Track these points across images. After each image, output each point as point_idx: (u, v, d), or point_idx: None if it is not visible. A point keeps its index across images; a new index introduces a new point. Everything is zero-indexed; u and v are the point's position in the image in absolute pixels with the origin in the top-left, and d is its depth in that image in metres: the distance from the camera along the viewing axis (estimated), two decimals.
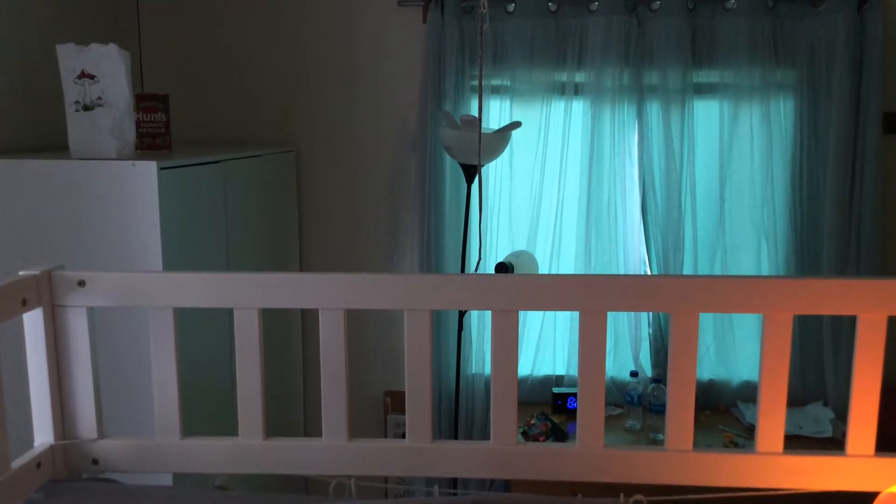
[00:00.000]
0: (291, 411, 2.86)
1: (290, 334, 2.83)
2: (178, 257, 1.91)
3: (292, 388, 2.87)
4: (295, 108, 2.85)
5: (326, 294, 1.50)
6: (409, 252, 2.87)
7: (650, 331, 2.72)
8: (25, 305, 1.45)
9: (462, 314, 2.64)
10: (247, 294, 1.51)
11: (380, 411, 2.93)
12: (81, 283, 1.50)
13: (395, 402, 2.91)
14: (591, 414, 1.48)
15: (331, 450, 1.53)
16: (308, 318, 2.91)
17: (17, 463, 1.42)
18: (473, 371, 2.80)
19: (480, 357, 2.80)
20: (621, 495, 1.49)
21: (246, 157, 2.42)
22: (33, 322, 1.49)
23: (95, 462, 1.54)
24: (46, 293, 1.50)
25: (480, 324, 2.78)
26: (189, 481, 1.87)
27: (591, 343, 1.47)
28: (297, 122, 2.85)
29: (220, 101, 2.86)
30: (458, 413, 2.74)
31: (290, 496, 1.55)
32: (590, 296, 1.46)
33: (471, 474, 1.52)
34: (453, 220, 2.75)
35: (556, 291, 1.46)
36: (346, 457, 1.54)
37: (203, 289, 1.51)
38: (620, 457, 1.48)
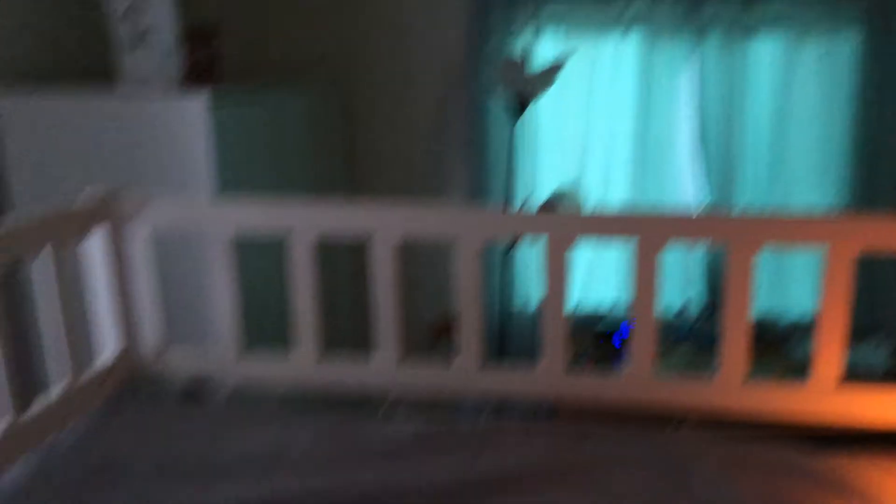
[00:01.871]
0: (341, 334, 2.91)
1: (338, 260, 2.86)
2: (228, 191, 1.92)
3: (341, 312, 2.91)
4: (344, 43, 2.82)
5: (380, 222, 1.52)
6: (455, 189, 2.86)
7: (702, 266, 2.68)
8: (91, 225, 1.49)
9: (509, 249, 2.64)
10: (302, 220, 1.53)
11: (427, 340, 2.97)
12: (142, 205, 1.54)
13: (444, 331, 2.94)
14: (642, 342, 1.48)
15: (382, 371, 1.57)
16: (358, 246, 2.93)
17: (86, 374, 1.49)
18: (519, 307, 2.82)
19: (526, 293, 2.81)
20: (670, 427, 1.50)
21: (295, 90, 2.41)
22: (99, 241, 1.54)
23: (158, 375, 1.61)
24: (111, 213, 1.54)
25: (528, 259, 2.78)
26: (245, 396, 1.93)
27: (646, 274, 1.46)
28: (346, 57, 2.82)
29: (269, 35, 2.84)
30: (503, 350, 2.77)
31: (341, 414, 1.59)
32: (645, 229, 1.44)
33: (520, 396, 1.54)
34: (500, 157, 2.72)
35: (610, 225, 1.45)
36: (397, 377, 1.57)
37: (259, 214, 1.54)
38: (672, 385, 1.49)
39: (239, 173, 2.00)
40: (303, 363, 1.58)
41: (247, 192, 2.04)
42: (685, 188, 2.68)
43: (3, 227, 1.29)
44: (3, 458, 1.27)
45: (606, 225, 1.45)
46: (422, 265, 2.96)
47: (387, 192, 2.90)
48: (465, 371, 1.55)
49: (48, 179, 1.88)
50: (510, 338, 2.82)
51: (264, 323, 2.17)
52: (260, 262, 2.15)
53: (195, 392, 1.68)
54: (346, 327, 2.97)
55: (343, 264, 2.90)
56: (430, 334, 2.97)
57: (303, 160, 2.48)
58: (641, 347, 1.48)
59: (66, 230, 1.43)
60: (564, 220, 1.46)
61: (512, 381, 1.54)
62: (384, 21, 2.80)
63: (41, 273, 1.39)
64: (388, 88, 2.85)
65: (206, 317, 1.73)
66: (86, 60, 2.27)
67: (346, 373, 1.59)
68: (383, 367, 1.57)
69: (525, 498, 1.25)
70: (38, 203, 1.41)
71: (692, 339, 2.57)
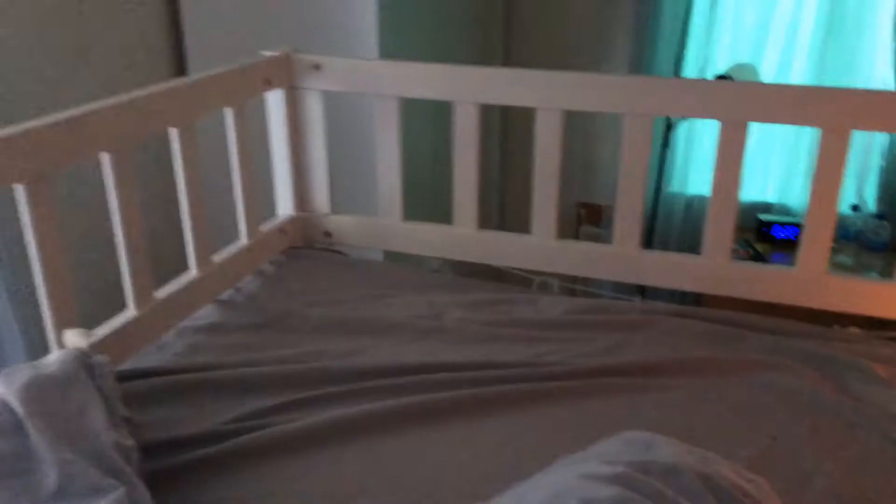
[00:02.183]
0: (489, 209, 2.93)
1: (489, 132, 2.84)
2: (393, 49, 1.91)
3: (490, 186, 2.92)
4: None
5: (547, 93, 1.48)
6: (617, 67, 2.73)
7: (882, 162, 2.47)
8: (268, 85, 1.55)
9: (668, 129, 2.53)
10: (469, 88, 1.51)
11: (573, 222, 2.95)
12: (317, 67, 1.57)
13: (589, 214, 2.91)
14: (817, 238, 1.40)
15: (539, 247, 1.58)
16: (511, 116, 2.88)
17: (264, 227, 1.59)
18: (673, 190, 2.72)
19: (683, 176, 2.70)
20: (835, 326, 1.44)
21: None
22: (275, 101, 1.60)
23: (327, 234, 1.69)
24: (286, 74, 1.58)
25: (687, 140, 2.65)
26: (405, 261, 1.99)
27: (830, 163, 1.36)
28: None
29: None
30: (653, 232, 2.70)
31: (495, 288, 1.63)
32: (834, 111, 1.33)
33: (680, 286, 1.51)
34: (670, 32, 2.56)
35: (795, 104, 1.34)
36: (553, 255, 1.57)
37: (427, 80, 1.53)
38: (842, 285, 1.41)
39: (401, 41, 1.99)
40: (461, 235, 1.61)
41: (410, 52, 2.03)
42: (876, 75, 2.43)
43: (185, 85, 1.35)
44: (188, 305, 1.39)
45: (791, 106, 1.35)
46: (570, 149, 2.89)
47: (545, 67, 2.82)
48: (622, 254, 1.53)
49: (221, 41, 1.95)
50: (663, 221, 2.75)
51: (421, 198, 2.22)
52: (419, 140, 2.17)
53: (359, 255, 1.77)
54: (495, 208, 2.99)
55: (492, 149, 2.88)
56: (576, 219, 2.94)
57: (462, 31, 2.43)
58: (815, 244, 1.40)
59: (244, 90, 1.49)
60: (744, 97, 1.37)
61: (670, 268, 1.51)
62: None
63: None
64: None
65: (371, 185, 1.78)
66: None
67: (503, 248, 1.61)
68: (539, 243, 1.57)
69: (673, 385, 1.24)
70: (214, 64, 1.46)
71: (859, 241, 2.41)
